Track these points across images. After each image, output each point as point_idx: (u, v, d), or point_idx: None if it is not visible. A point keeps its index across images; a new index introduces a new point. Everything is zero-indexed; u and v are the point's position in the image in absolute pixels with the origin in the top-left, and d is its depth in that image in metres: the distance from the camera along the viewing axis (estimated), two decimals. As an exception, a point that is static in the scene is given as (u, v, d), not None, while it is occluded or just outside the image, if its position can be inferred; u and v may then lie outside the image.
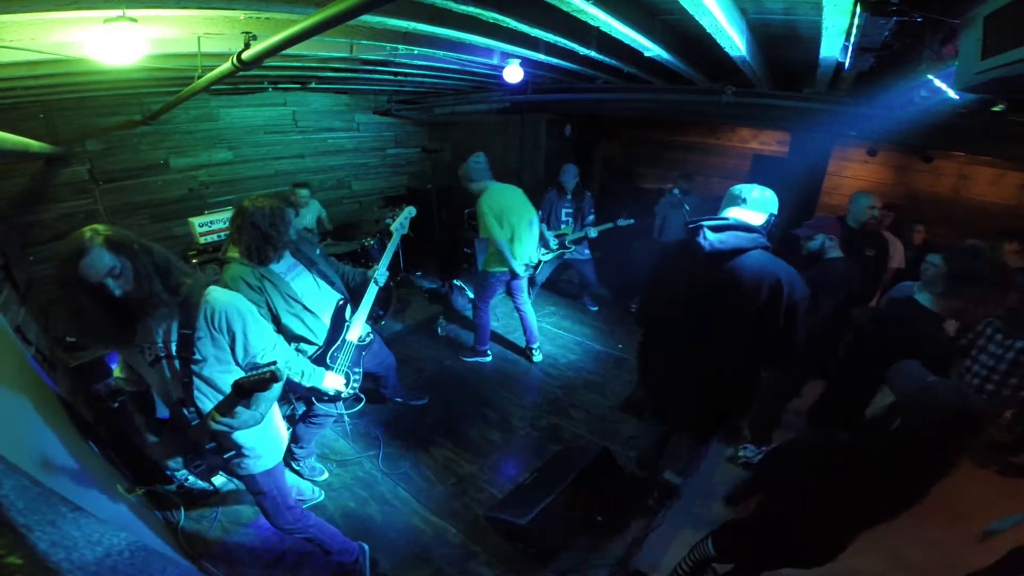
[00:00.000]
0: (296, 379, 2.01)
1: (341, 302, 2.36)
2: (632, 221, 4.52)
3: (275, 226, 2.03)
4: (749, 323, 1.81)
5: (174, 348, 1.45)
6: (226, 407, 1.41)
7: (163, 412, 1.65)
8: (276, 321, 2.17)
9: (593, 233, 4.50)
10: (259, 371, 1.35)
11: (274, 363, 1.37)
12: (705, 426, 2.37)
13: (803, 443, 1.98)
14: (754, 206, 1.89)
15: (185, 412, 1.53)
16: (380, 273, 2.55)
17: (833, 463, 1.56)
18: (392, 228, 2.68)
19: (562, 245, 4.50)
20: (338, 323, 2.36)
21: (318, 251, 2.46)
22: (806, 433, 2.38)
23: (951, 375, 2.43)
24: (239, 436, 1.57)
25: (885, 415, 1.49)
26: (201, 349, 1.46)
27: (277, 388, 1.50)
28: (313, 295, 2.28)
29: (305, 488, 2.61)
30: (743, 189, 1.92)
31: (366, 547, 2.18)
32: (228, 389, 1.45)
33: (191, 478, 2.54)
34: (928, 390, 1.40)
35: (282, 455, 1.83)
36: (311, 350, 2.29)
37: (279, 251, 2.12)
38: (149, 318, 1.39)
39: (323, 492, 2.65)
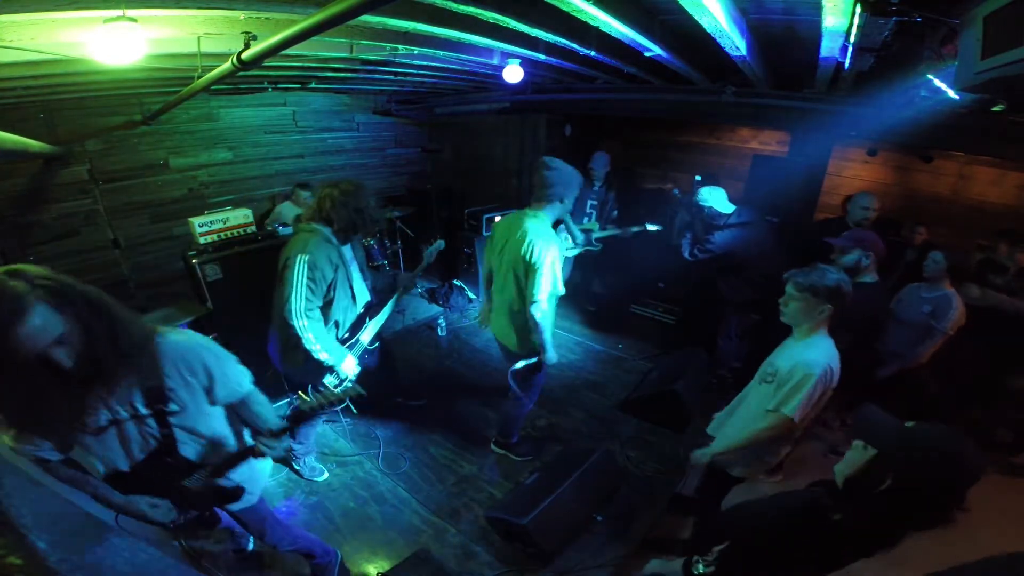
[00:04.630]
0: (317, 355, 2.15)
1: (373, 302, 2.48)
2: (660, 227, 4.24)
3: (362, 203, 2.20)
4: None
5: (141, 408, 1.24)
6: (277, 435, 1.46)
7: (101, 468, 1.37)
8: (328, 302, 2.23)
9: (625, 232, 4.31)
10: (327, 393, 1.49)
11: (348, 383, 1.55)
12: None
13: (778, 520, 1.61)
14: None
15: (168, 461, 1.36)
16: (407, 280, 2.70)
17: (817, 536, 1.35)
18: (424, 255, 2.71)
19: (588, 241, 4.26)
20: (359, 321, 2.45)
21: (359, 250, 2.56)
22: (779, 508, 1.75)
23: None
24: (237, 475, 1.51)
25: (866, 476, 1.26)
26: (177, 399, 1.29)
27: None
28: (359, 286, 2.40)
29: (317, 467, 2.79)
30: None
31: (339, 553, 2.17)
32: (212, 431, 1.45)
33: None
34: (915, 437, 1.19)
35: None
36: (338, 333, 2.37)
37: (361, 232, 2.27)
38: (100, 385, 1.15)
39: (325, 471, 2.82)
